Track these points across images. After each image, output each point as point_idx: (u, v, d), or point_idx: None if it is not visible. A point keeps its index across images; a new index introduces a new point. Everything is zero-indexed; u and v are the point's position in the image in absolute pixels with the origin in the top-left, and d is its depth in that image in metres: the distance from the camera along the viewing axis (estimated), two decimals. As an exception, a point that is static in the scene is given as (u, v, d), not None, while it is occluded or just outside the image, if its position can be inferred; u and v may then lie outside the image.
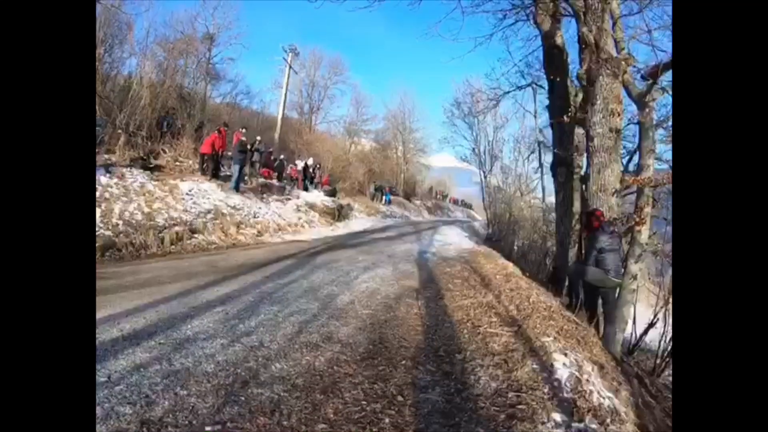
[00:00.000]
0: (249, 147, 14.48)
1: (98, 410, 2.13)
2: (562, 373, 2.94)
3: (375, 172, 34.95)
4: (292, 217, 12.79)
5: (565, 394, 2.68)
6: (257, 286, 5.20)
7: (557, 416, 2.42)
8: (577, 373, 2.97)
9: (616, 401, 2.81)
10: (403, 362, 3.11)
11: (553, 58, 10.62)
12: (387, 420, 2.30)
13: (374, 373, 2.90)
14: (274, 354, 3.10)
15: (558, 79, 10.01)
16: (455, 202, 59.99)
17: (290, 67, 25.69)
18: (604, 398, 2.76)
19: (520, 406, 2.53)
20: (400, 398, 2.56)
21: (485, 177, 19.09)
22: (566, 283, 9.31)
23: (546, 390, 2.73)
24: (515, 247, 17.10)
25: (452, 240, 13.98)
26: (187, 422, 2.15)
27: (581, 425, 2.37)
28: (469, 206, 60.40)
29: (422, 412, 2.44)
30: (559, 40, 10.56)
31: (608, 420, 2.47)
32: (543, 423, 2.35)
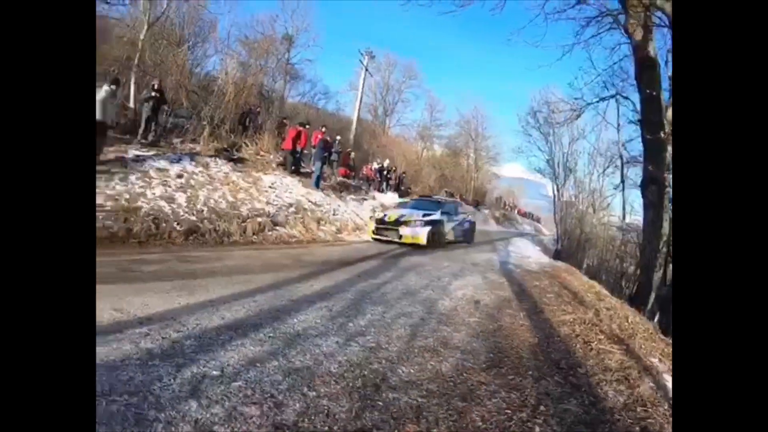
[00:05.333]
0: (331, 146, 14.83)
1: (218, 408, 2.00)
2: (675, 393, 2.95)
3: (446, 177, 34.89)
4: (368, 218, 12.95)
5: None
6: (351, 284, 5.27)
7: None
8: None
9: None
10: (530, 373, 3.10)
11: (646, 70, 10.25)
12: (537, 429, 2.31)
13: (505, 382, 2.88)
14: (395, 357, 3.02)
15: (654, 93, 9.62)
16: (523, 214, 57.79)
17: (366, 70, 26.17)
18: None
19: (649, 420, 2.58)
20: (542, 408, 2.56)
21: (558, 190, 18.42)
22: (649, 306, 8.93)
23: (666, 407, 2.77)
24: (584, 266, 16.45)
25: (528, 253, 13.67)
26: (327, 428, 1.99)
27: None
28: (537, 219, 58.32)
29: (567, 421, 2.45)
30: (651, 52, 10.18)
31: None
32: (670, 437, 2.36)
